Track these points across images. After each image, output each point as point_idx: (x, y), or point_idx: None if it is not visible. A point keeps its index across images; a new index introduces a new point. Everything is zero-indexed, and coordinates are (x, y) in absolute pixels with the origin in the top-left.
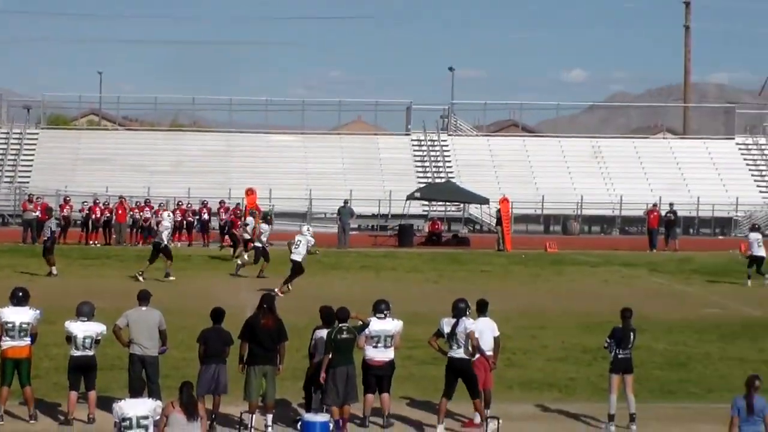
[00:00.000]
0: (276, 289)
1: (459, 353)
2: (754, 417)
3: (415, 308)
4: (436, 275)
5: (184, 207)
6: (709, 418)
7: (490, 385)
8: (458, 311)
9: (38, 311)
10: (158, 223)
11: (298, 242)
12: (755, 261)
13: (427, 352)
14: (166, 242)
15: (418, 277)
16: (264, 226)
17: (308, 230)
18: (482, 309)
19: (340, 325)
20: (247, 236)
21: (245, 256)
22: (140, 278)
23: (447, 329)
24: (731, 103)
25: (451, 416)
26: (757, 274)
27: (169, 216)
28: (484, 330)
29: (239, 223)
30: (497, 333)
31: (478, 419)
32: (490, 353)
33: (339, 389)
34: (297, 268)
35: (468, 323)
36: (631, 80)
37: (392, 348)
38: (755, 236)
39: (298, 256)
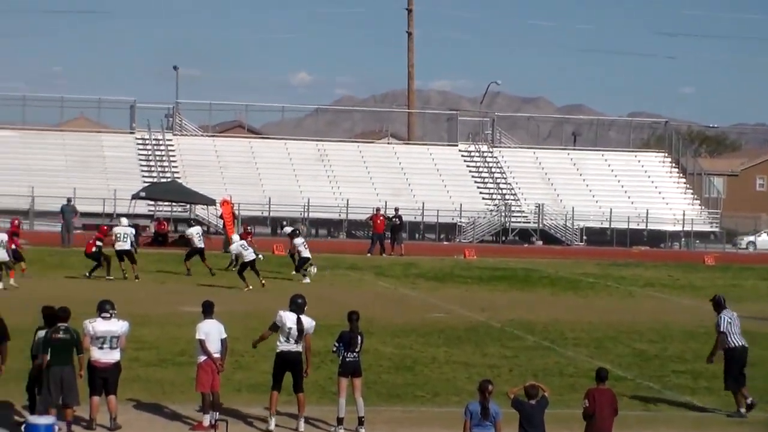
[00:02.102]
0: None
1: (296, 347)
2: (486, 422)
3: (143, 310)
4: (164, 276)
5: None
6: (436, 421)
7: (217, 388)
8: (297, 306)
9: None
10: None
11: (125, 235)
12: (303, 261)
13: (153, 354)
14: None
15: (145, 277)
16: None
17: (126, 222)
18: (208, 311)
19: (58, 324)
20: None
21: None
22: None
23: (290, 324)
24: (453, 110)
25: (179, 418)
26: (296, 273)
27: None
28: (211, 332)
29: None
30: (225, 335)
31: (206, 422)
32: (217, 355)
33: (54, 391)
34: (131, 256)
35: (310, 320)
36: (356, 85)
37: (118, 349)
38: (299, 241)
39: (125, 245)
